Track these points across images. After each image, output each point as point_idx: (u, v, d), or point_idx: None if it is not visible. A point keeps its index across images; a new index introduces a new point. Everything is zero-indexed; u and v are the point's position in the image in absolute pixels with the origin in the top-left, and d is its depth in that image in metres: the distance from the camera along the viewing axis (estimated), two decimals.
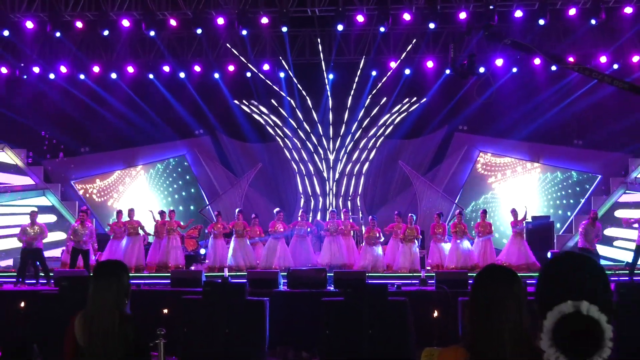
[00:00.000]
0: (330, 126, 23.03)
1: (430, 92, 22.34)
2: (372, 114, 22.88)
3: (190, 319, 11.28)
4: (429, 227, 18.65)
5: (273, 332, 11.36)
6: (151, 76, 22.11)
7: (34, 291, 13.67)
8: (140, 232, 18.42)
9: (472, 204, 22.56)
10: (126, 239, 18.17)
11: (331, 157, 23.11)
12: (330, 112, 22.95)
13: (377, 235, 17.94)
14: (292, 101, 22.86)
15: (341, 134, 23.01)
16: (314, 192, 23.20)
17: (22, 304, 12.98)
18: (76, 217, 19.27)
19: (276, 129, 23.29)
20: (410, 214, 18.49)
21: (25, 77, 21.93)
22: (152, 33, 19.38)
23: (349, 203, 22.84)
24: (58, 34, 19.43)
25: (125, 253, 17.75)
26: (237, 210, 18.93)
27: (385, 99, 22.71)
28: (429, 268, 17.44)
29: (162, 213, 18.84)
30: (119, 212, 18.79)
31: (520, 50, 17.75)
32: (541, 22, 18.55)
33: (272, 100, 22.97)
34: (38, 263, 16.39)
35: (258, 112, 23.25)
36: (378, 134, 23.04)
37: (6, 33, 19.45)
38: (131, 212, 18.58)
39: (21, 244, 16.45)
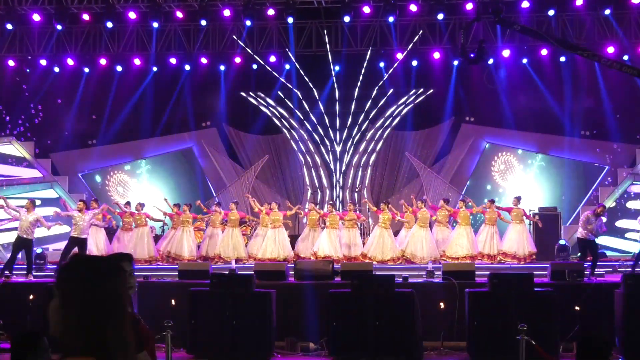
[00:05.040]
0: (337, 117, 23.04)
1: (436, 83, 22.31)
2: (379, 105, 22.86)
3: (198, 310, 11.34)
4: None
5: (280, 323, 11.41)
6: (155, 69, 22.15)
7: (43, 283, 13.73)
8: (151, 223, 18.44)
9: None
10: (135, 230, 18.19)
11: (338, 148, 23.12)
12: (337, 104, 22.94)
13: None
14: (298, 93, 22.85)
15: (348, 125, 23.01)
16: (320, 184, 23.22)
17: (31, 297, 13.06)
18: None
19: (282, 120, 23.30)
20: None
21: (32, 70, 21.99)
22: (155, 24, 19.42)
23: (355, 195, 22.85)
24: (60, 27, 19.47)
25: (135, 244, 17.77)
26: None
27: (392, 90, 22.69)
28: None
29: (177, 205, 18.81)
30: (127, 204, 18.78)
31: (529, 36, 17.75)
32: (551, 12, 18.50)
33: (279, 92, 22.98)
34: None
35: (264, 103, 23.27)
36: (385, 126, 23.03)
37: (9, 26, 19.52)
38: (139, 204, 18.59)
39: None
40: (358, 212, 19.43)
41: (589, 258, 15.53)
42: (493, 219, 17.83)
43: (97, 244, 17.65)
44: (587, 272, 14.22)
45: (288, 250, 17.78)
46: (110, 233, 18.89)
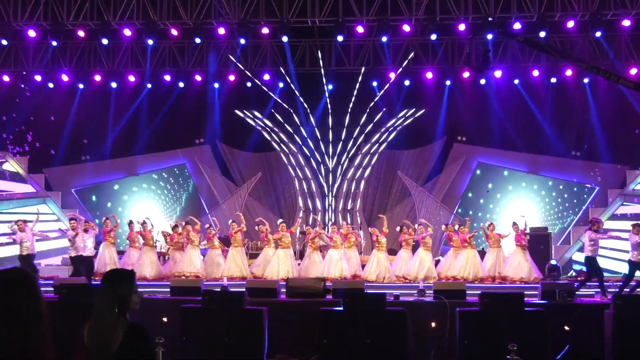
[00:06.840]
0: (330, 131, 23.16)
1: (429, 103, 22.46)
2: (374, 121, 22.98)
3: (189, 327, 11.33)
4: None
5: (271, 340, 11.40)
6: (149, 85, 22.22)
7: None
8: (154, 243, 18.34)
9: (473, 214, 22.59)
10: (142, 248, 18.00)
11: (331, 164, 23.21)
12: (330, 117, 23.07)
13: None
14: (291, 110, 22.97)
15: (340, 145, 23.12)
16: (313, 205, 23.27)
17: None
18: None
19: (274, 135, 23.41)
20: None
21: (26, 85, 22.05)
22: (150, 42, 19.48)
23: (348, 214, 22.91)
24: (55, 43, 19.54)
25: (142, 262, 17.63)
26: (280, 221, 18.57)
27: (384, 109, 22.82)
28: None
29: (175, 227, 18.59)
30: (130, 223, 18.61)
31: (531, 47, 18.11)
32: (542, 34, 18.65)
33: (272, 110, 23.09)
34: None
35: (259, 122, 23.37)
36: (380, 141, 23.14)
37: (4, 42, 19.58)
38: (145, 223, 18.23)
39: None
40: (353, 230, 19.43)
41: (594, 279, 15.39)
42: (496, 241, 17.84)
43: (111, 256, 17.63)
44: (599, 290, 14.35)
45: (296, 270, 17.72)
46: (119, 252, 18.75)
